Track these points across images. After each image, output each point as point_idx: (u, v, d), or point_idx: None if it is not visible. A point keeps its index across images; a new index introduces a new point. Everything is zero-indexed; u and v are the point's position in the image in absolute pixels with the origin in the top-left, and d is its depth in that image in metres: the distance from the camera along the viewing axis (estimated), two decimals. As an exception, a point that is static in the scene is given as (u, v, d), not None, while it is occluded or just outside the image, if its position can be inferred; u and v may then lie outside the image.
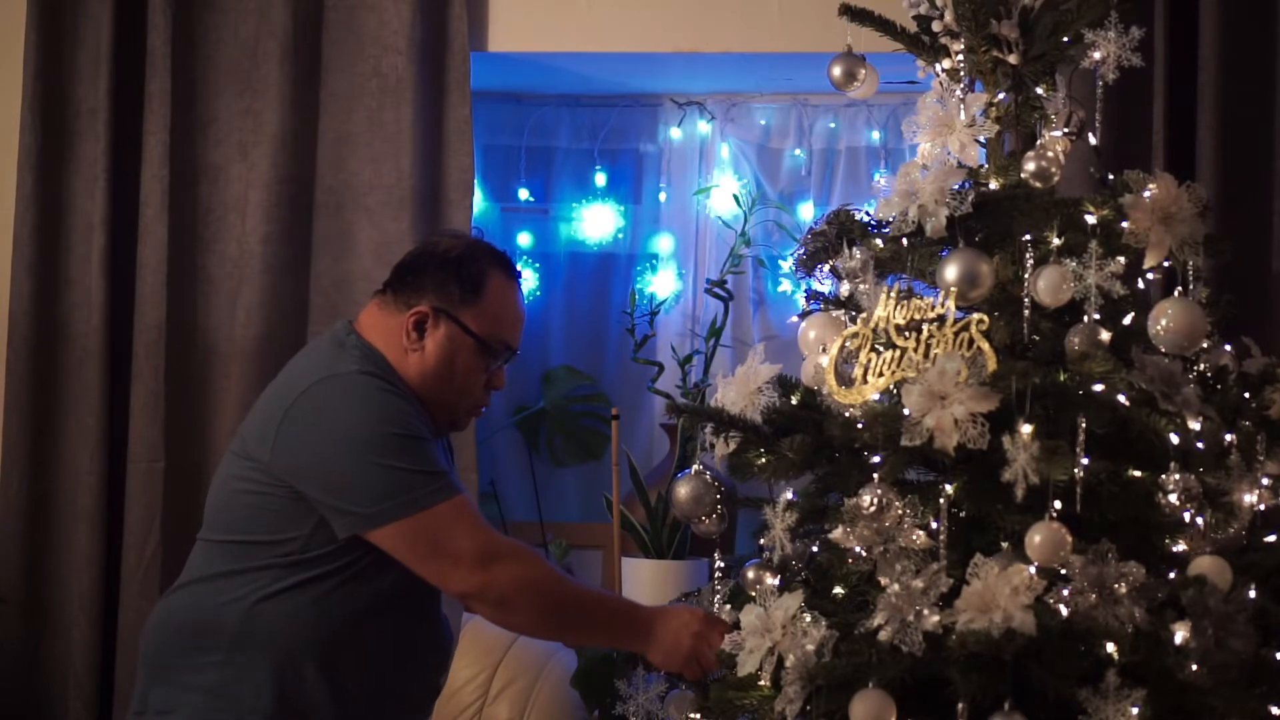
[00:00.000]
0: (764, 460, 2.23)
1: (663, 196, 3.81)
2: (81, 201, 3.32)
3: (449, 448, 2.43)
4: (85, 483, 3.24)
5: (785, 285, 3.68)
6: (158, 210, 3.28)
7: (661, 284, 3.73)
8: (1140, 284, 2.37)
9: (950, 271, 2.18)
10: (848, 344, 2.22)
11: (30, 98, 3.31)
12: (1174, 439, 2.06)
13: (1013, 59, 2.34)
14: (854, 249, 2.33)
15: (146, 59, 3.30)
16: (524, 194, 3.84)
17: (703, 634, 2.20)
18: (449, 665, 2.38)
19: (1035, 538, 1.99)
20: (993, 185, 2.32)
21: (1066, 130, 2.37)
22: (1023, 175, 2.28)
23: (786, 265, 3.58)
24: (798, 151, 3.74)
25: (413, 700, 2.29)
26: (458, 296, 2.24)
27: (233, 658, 2.15)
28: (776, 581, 2.22)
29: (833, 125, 3.72)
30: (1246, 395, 2.26)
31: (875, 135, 3.72)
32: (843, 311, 2.36)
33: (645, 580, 3.16)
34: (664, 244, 3.78)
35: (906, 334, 2.15)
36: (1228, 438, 2.19)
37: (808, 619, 2.05)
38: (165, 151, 3.29)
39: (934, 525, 2.05)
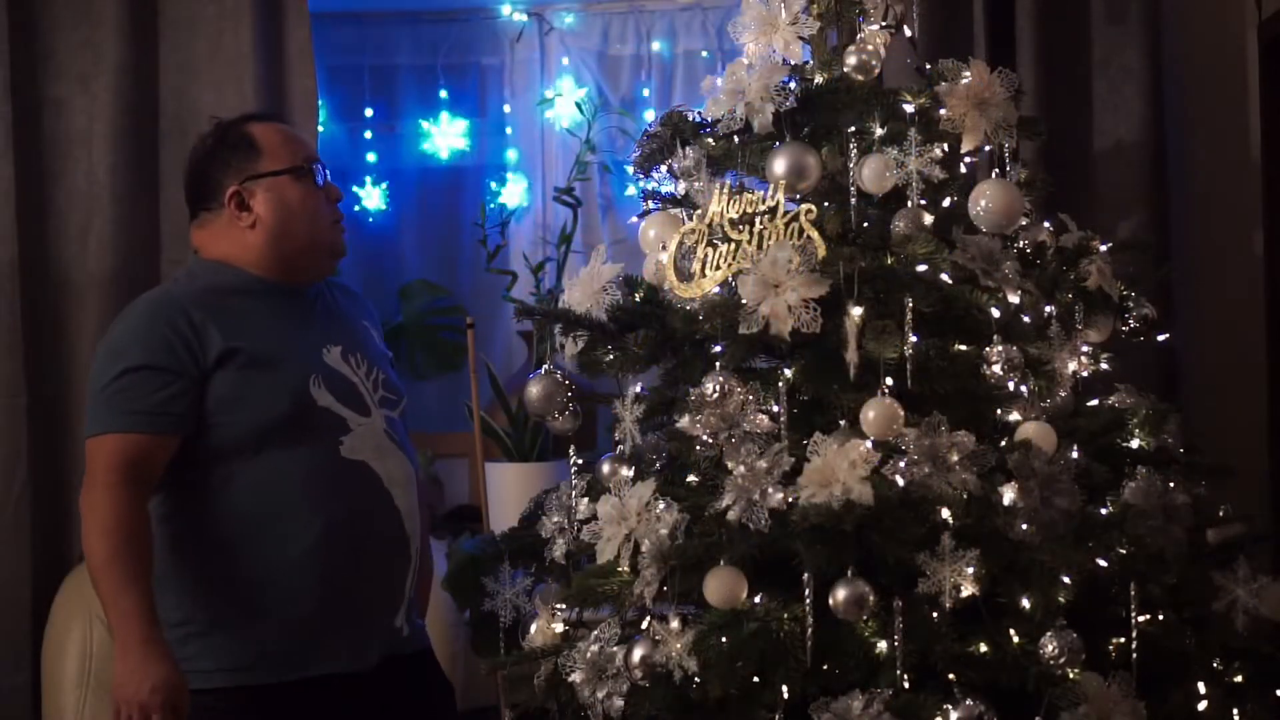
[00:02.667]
0: (611, 356, 2.20)
1: (507, 109, 3.73)
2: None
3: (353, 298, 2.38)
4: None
5: (632, 189, 3.62)
6: (3, 147, 3.11)
7: (511, 194, 3.65)
8: (962, 168, 2.37)
9: (779, 165, 2.15)
10: (685, 240, 2.18)
11: None
12: (995, 313, 2.06)
13: (831, -46, 2.30)
14: (687, 148, 2.29)
15: (-21, -7, 3.10)
16: (369, 113, 3.72)
17: (146, 703, 1.97)
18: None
19: (869, 414, 1.99)
20: (817, 80, 2.29)
21: (885, 24, 2.34)
22: (845, 69, 2.26)
23: (631, 169, 3.53)
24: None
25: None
26: (244, 159, 2.21)
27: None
28: (630, 473, 2.19)
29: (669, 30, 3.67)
30: (1064, 268, 2.28)
31: (711, 38, 3.66)
32: (680, 209, 2.32)
33: (509, 483, 3.12)
34: (511, 155, 3.69)
35: (740, 227, 2.12)
36: (1048, 310, 2.22)
37: (660, 505, 2.03)
38: (6, 87, 3.11)
39: (775, 408, 2.04)
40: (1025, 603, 1.98)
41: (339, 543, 2.12)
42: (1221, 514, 2.27)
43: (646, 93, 3.69)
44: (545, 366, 2.24)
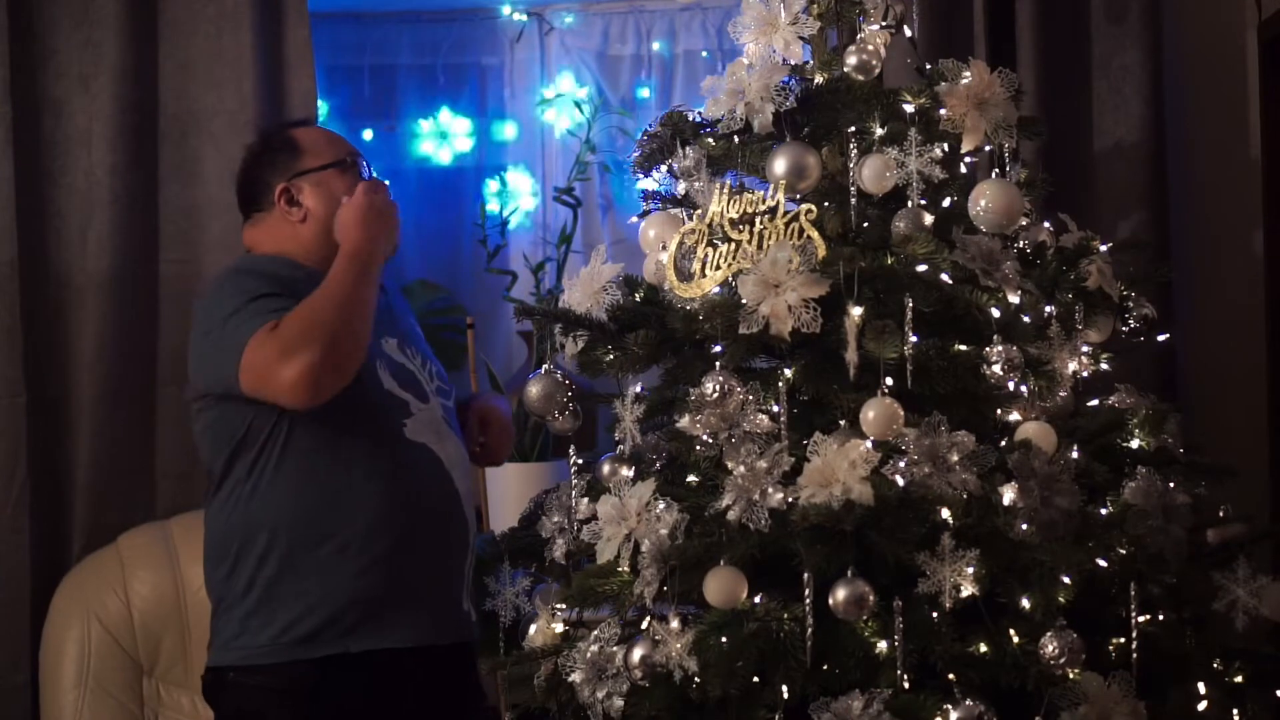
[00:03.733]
0: (611, 356, 2.19)
1: (507, 109, 3.72)
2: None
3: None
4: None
5: (633, 189, 3.62)
6: (3, 146, 3.11)
7: (511, 194, 3.64)
8: (962, 168, 2.37)
9: (779, 165, 2.15)
10: (685, 240, 2.18)
11: None
12: (995, 313, 2.06)
13: (831, -45, 2.30)
14: (687, 148, 2.28)
15: (-22, -6, 3.10)
16: (369, 113, 3.72)
17: (364, 191, 2.22)
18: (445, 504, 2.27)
19: (869, 414, 1.99)
20: (817, 80, 2.29)
21: (885, 24, 2.34)
22: (845, 69, 2.26)
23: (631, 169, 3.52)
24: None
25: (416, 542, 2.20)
26: (289, 159, 2.31)
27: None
28: (630, 473, 2.19)
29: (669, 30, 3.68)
30: (1064, 268, 2.27)
31: (711, 38, 3.66)
32: (681, 209, 2.32)
33: (510, 482, 3.11)
34: (511, 155, 3.68)
35: (740, 227, 2.12)
36: (1048, 309, 2.21)
37: (661, 505, 2.03)
38: (6, 87, 3.11)
39: (775, 408, 2.04)
40: (1025, 603, 1.97)
41: (404, 519, 2.17)
42: (1221, 514, 2.27)
43: (646, 93, 3.69)
44: (545, 366, 2.23)
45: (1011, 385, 2.07)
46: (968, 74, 2.22)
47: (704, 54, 3.66)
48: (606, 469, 2.24)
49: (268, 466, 2.15)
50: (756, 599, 1.99)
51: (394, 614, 2.15)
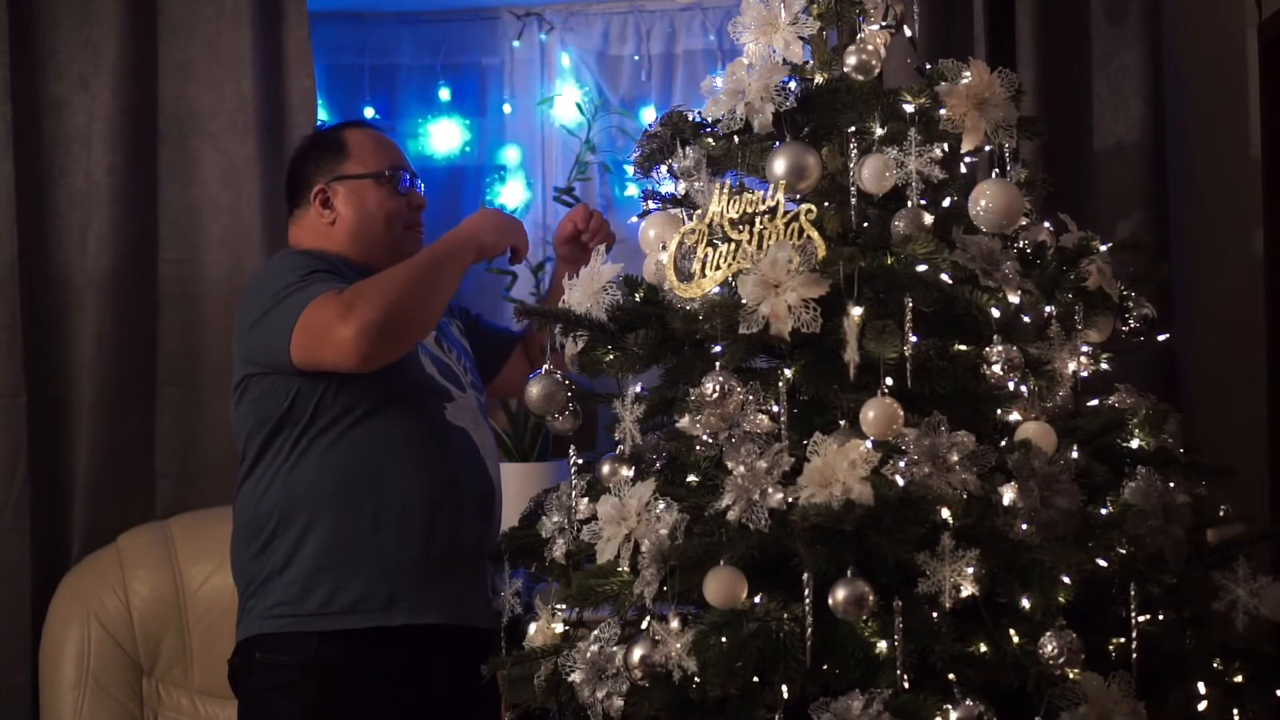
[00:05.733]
0: (611, 356, 2.20)
1: (507, 109, 3.72)
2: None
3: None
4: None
5: (632, 189, 3.62)
6: (3, 147, 3.12)
7: (511, 194, 3.65)
8: (962, 168, 2.37)
9: (779, 165, 2.15)
10: (685, 240, 2.18)
11: None
12: (995, 313, 2.06)
13: (831, -45, 2.30)
14: (687, 148, 2.28)
15: (-22, -5, 3.10)
16: (369, 112, 3.73)
17: (496, 212, 2.43)
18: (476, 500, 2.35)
19: (869, 413, 1.99)
20: (817, 80, 2.29)
21: (885, 24, 2.35)
22: (845, 69, 2.26)
23: (631, 169, 3.52)
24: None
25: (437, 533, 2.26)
26: (333, 160, 2.38)
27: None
28: (630, 473, 2.19)
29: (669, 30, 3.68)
30: (1064, 268, 2.27)
31: (711, 38, 3.66)
32: (681, 210, 2.32)
33: (510, 482, 3.10)
34: (511, 155, 3.70)
35: (740, 227, 2.12)
36: (1048, 309, 2.21)
37: (660, 505, 2.03)
38: (6, 87, 3.12)
39: (775, 408, 2.04)
40: (1025, 603, 1.97)
41: (444, 497, 2.24)
42: (1221, 514, 2.27)
43: (646, 93, 3.69)
44: (545, 366, 2.23)
45: (1011, 385, 2.07)
46: (968, 74, 2.21)
47: (704, 54, 3.66)
48: (606, 469, 2.24)
49: (311, 441, 2.20)
50: (756, 599, 1.99)
51: (432, 590, 2.20)
